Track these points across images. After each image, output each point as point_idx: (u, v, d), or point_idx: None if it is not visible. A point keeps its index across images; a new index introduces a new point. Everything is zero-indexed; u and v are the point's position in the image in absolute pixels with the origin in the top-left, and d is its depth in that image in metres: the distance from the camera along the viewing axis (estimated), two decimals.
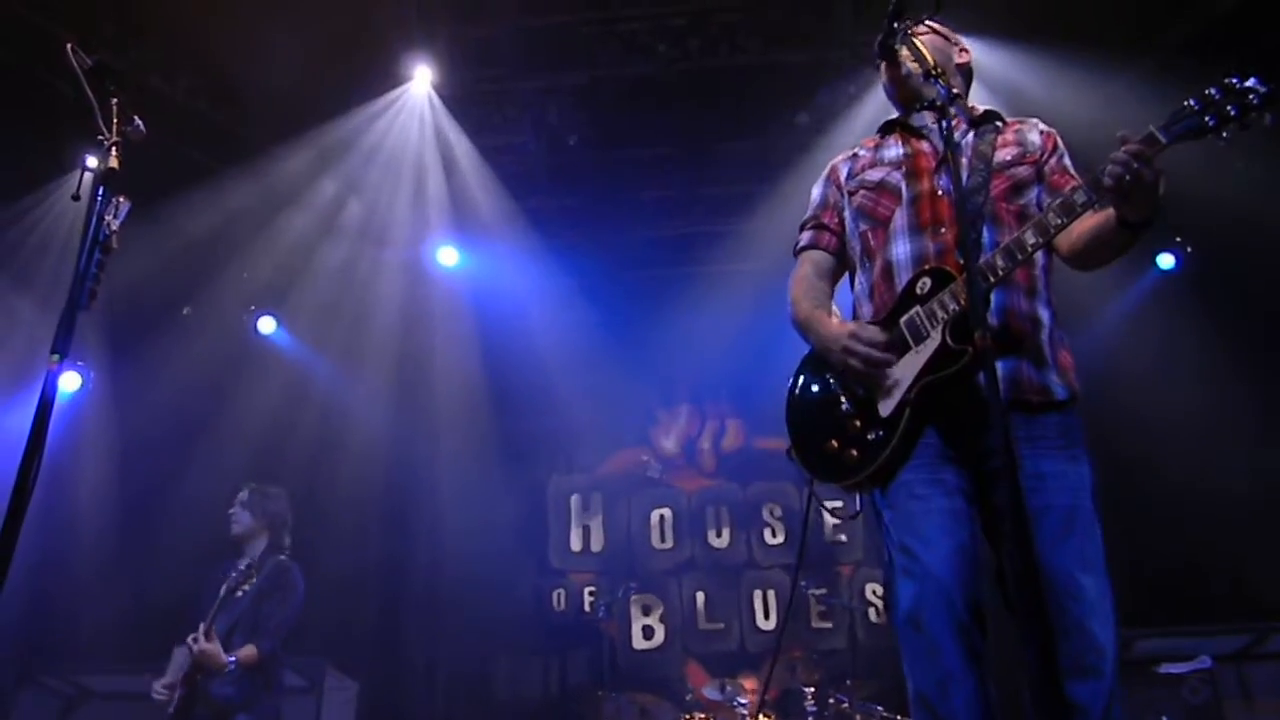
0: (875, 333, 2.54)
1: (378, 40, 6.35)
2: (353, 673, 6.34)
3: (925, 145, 2.74)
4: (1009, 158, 2.64)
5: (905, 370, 2.48)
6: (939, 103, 2.28)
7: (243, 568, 4.93)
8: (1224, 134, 2.23)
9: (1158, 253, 7.34)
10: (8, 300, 6.64)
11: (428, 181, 7.25)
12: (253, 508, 5.17)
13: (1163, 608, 6.24)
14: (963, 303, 2.38)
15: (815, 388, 2.72)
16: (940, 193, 2.61)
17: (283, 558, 5.03)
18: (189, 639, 4.63)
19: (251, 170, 6.86)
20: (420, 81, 6.52)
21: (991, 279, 2.39)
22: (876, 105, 5.99)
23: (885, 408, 2.50)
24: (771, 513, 8.42)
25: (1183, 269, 7.34)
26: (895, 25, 2.48)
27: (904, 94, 2.81)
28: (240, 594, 4.86)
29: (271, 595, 4.87)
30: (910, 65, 2.68)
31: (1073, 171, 2.64)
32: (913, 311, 2.50)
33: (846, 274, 2.90)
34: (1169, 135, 2.23)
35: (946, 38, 2.84)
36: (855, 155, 2.91)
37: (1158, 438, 6.61)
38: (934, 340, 2.45)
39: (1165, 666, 5.59)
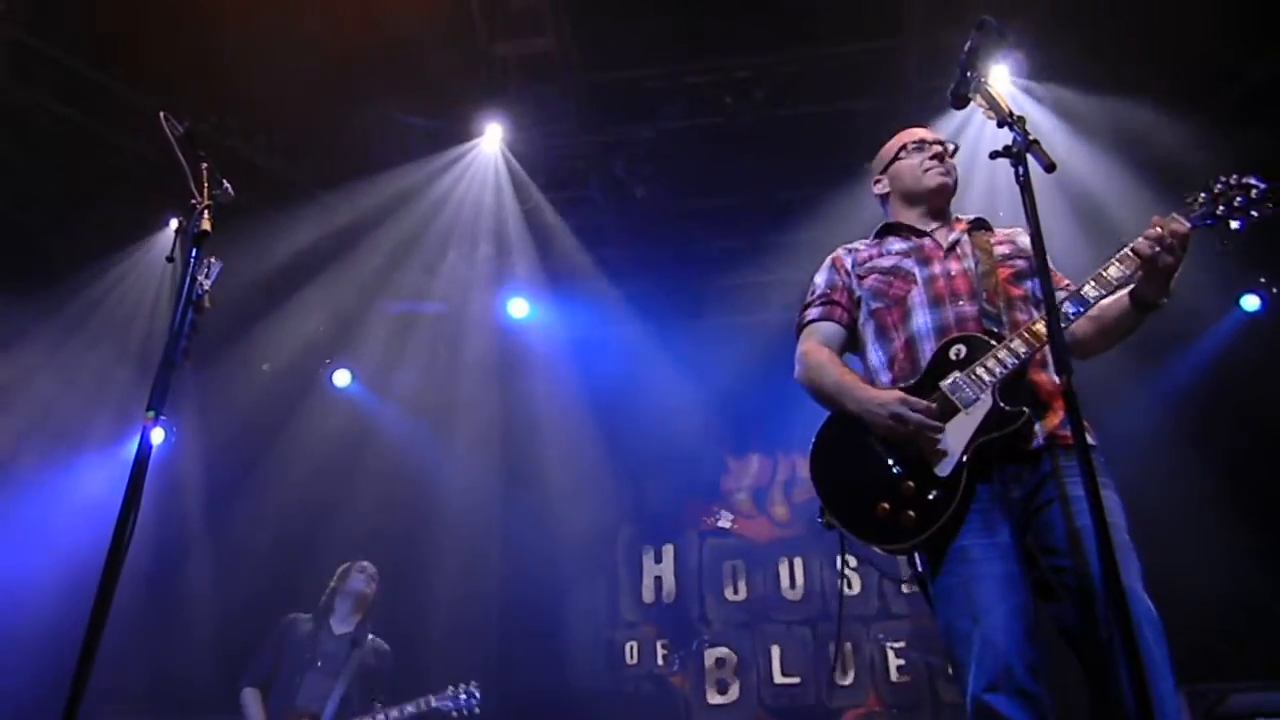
0: (922, 401, 2.60)
1: (450, 99, 6.52)
2: None
3: (928, 241, 2.93)
4: (1007, 251, 2.85)
5: (957, 431, 2.56)
6: (1015, 149, 2.32)
7: (339, 634, 5.30)
8: (1233, 223, 2.48)
9: (1241, 294, 7.13)
10: (93, 361, 6.87)
11: (497, 234, 7.37)
12: (378, 581, 5.63)
13: (1260, 659, 5.99)
14: (1009, 366, 2.54)
15: (856, 450, 2.72)
16: (954, 274, 2.78)
17: (382, 642, 5.51)
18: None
19: (326, 227, 7.06)
20: (490, 139, 6.66)
21: (1037, 345, 2.54)
22: None
23: (943, 468, 2.54)
24: (847, 563, 8.26)
25: (1268, 310, 7.13)
26: (968, 74, 2.51)
27: (941, 201, 3.00)
28: (341, 663, 5.20)
29: (380, 673, 5.36)
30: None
31: (1059, 273, 2.81)
32: (954, 376, 2.60)
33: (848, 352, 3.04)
34: (1191, 222, 2.48)
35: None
36: (855, 249, 3.10)
37: (1249, 478, 6.40)
38: (984, 403, 2.55)
39: None
